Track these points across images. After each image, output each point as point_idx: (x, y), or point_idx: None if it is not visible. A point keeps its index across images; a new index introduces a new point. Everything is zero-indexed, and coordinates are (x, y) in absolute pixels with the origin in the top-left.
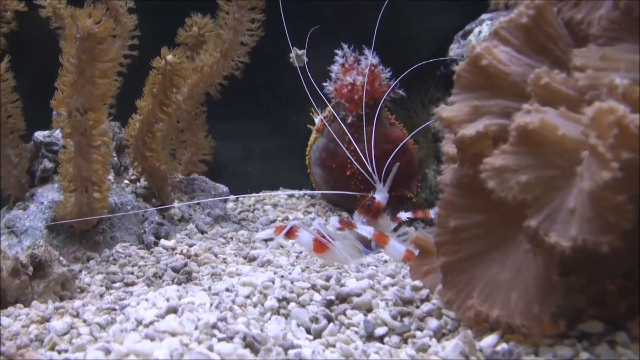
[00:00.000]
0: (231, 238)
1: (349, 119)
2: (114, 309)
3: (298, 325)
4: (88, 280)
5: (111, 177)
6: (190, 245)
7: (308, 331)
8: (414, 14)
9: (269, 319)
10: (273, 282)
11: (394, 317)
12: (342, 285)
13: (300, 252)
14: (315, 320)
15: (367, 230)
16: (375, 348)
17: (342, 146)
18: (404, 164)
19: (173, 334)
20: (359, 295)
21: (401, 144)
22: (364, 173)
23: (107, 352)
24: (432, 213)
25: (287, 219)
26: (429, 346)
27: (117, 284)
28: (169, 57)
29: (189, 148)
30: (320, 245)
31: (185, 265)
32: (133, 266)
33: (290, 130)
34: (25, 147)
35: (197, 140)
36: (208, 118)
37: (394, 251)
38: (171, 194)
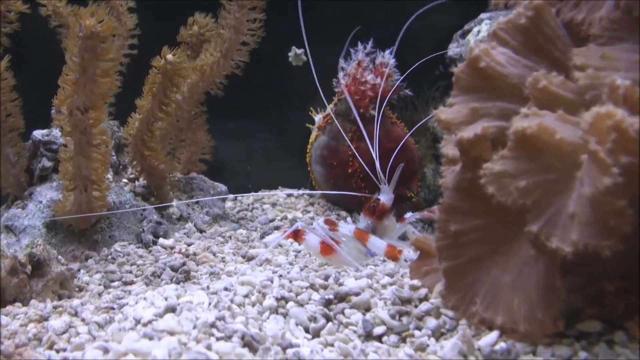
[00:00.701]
0: (230, 237)
1: (356, 116)
2: (113, 308)
3: (296, 325)
4: (87, 279)
5: (110, 176)
6: (189, 244)
7: (306, 330)
8: (413, 14)
9: (268, 318)
10: (272, 281)
11: (393, 317)
12: (340, 285)
13: (299, 251)
14: (313, 319)
15: (347, 229)
16: (373, 347)
17: (350, 143)
18: (404, 163)
19: (171, 333)
20: (357, 294)
21: (401, 142)
22: (371, 174)
23: (106, 351)
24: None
25: (285, 218)
26: (428, 345)
27: (116, 283)
28: (169, 56)
29: (188, 147)
30: (327, 248)
31: (184, 264)
32: (132, 265)
33: (290, 129)
34: (24, 146)
35: (197, 139)
36: (208, 117)
37: (375, 247)
38: (170, 192)
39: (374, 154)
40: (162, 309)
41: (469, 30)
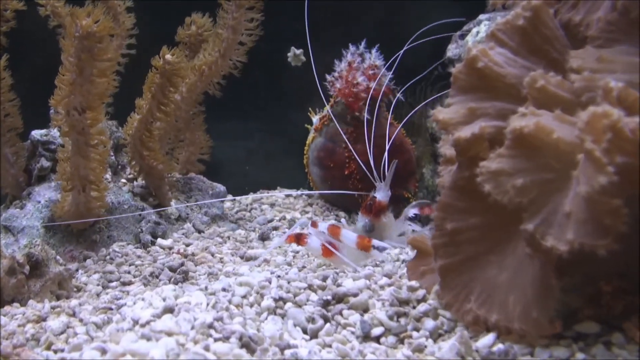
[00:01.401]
0: (228, 237)
1: (348, 118)
2: (111, 309)
3: (295, 325)
4: (85, 280)
5: (108, 176)
6: (187, 245)
7: (305, 331)
8: (412, 14)
9: (266, 318)
10: (270, 282)
11: (391, 318)
12: (338, 285)
13: (298, 252)
14: (311, 320)
15: (323, 227)
16: (371, 348)
17: (348, 142)
18: (401, 163)
19: (169, 334)
20: (355, 295)
21: (392, 138)
22: (367, 172)
23: (104, 351)
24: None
25: (284, 218)
26: (425, 346)
27: (114, 283)
28: (168, 56)
29: (187, 147)
30: (328, 251)
31: (182, 264)
32: (130, 265)
33: (288, 129)
34: (22, 146)
35: (195, 139)
36: (206, 117)
37: (347, 240)
38: (168, 193)
39: (369, 151)
40: (160, 310)
41: (468, 31)
